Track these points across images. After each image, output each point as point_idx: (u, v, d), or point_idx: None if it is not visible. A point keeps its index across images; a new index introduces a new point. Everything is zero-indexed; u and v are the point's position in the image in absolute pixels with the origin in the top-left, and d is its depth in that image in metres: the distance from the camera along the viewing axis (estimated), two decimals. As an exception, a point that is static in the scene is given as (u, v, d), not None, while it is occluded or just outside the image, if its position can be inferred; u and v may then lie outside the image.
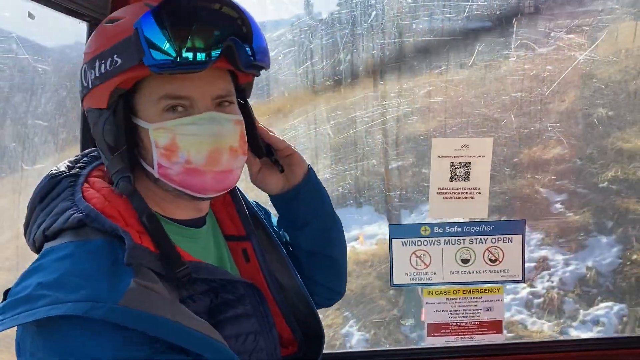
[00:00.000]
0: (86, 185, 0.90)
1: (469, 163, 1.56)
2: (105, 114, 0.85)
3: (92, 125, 0.89)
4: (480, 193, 1.58)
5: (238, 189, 1.08)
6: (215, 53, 0.81)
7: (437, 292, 1.61)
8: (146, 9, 0.81)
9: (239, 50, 0.84)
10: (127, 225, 0.83)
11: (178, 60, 0.79)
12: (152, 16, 0.79)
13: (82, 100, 0.91)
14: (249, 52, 0.85)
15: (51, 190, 0.91)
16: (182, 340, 0.75)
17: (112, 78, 0.82)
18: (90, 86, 0.85)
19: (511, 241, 1.60)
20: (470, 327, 1.61)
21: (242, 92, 0.98)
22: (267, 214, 1.18)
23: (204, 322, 0.79)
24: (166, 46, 0.78)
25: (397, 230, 1.61)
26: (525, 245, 1.61)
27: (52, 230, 0.84)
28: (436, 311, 1.61)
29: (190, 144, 0.84)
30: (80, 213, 0.82)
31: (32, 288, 0.74)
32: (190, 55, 0.79)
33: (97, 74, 0.83)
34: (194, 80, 0.84)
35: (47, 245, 0.83)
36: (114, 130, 0.85)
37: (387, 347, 1.64)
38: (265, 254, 1.04)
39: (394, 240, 1.60)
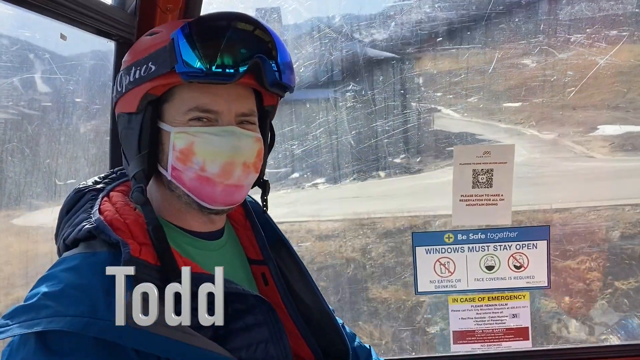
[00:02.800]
0: (105, 199, 0.94)
1: (492, 170, 1.56)
2: (135, 118, 0.89)
3: (121, 128, 0.94)
4: (503, 199, 1.58)
5: (267, 215, 1.11)
6: (242, 68, 0.85)
7: (462, 300, 1.61)
8: (182, 24, 0.86)
9: (266, 68, 0.87)
10: (132, 237, 0.86)
11: (208, 70, 0.83)
12: (188, 28, 0.84)
13: (114, 105, 0.95)
14: (275, 70, 0.88)
15: (76, 203, 0.96)
16: (178, 356, 0.78)
17: (145, 83, 0.86)
18: (124, 91, 0.90)
19: (536, 247, 1.59)
20: (496, 334, 1.61)
21: (266, 115, 1.01)
22: None
23: (202, 337, 0.81)
24: (198, 56, 0.83)
25: (421, 238, 1.61)
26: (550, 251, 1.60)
27: (69, 240, 0.89)
28: (461, 318, 1.61)
29: (206, 152, 0.88)
30: (91, 225, 0.87)
31: (38, 297, 0.78)
32: (219, 67, 0.84)
33: (131, 79, 0.88)
34: (222, 96, 0.88)
35: (64, 255, 0.88)
36: (140, 133, 0.89)
37: (413, 355, 1.64)
38: (290, 276, 1.07)
39: (417, 248, 1.61)
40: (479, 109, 2.34)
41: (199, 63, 0.83)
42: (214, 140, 0.88)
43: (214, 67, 0.84)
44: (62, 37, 1.17)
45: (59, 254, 0.94)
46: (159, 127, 0.90)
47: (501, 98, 2.30)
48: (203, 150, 0.88)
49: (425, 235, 1.62)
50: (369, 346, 1.33)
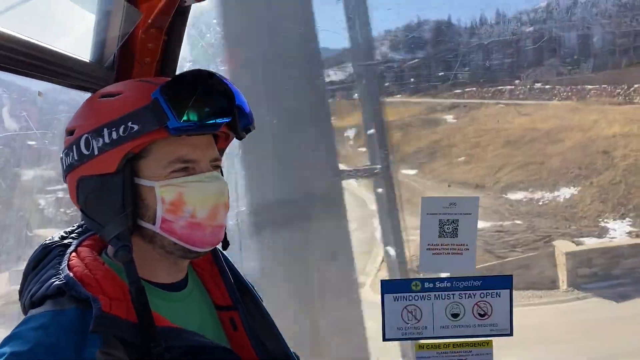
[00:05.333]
0: (73, 254, 0.97)
1: (457, 220, 1.62)
2: (112, 178, 0.92)
3: (89, 191, 0.95)
4: (467, 249, 1.63)
5: (226, 258, 1.16)
6: (224, 119, 0.95)
7: (428, 347, 1.65)
8: (150, 85, 0.93)
9: (241, 116, 0.96)
10: (103, 292, 0.89)
11: (200, 123, 0.91)
12: (171, 88, 0.91)
13: (73, 169, 0.97)
14: (248, 117, 0.98)
15: (43, 258, 0.99)
16: None
17: (126, 143, 0.90)
18: (96, 153, 0.92)
19: (499, 296, 1.64)
20: (461, 381, 1.64)
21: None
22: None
23: None
24: (189, 112, 0.90)
25: (389, 286, 1.65)
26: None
27: (37, 296, 0.92)
28: (428, 365, 1.64)
29: (196, 200, 0.95)
30: (60, 281, 0.89)
31: (5, 357, 0.79)
32: (209, 119, 0.93)
33: (106, 141, 0.91)
34: (198, 146, 0.96)
35: (31, 312, 0.90)
36: (122, 192, 0.92)
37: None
38: (252, 321, 1.10)
39: (385, 295, 1.64)
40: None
41: (190, 118, 0.90)
42: (200, 187, 0.95)
43: (206, 121, 0.92)
44: (39, 94, 1.20)
45: (24, 311, 0.96)
46: (135, 184, 0.94)
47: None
48: (193, 199, 0.95)
49: (394, 283, 1.66)
50: None
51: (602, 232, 14.82)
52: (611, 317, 10.48)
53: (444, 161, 19.56)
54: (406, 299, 1.64)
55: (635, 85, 18.48)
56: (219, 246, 1.12)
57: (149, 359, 0.86)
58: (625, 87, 18.72)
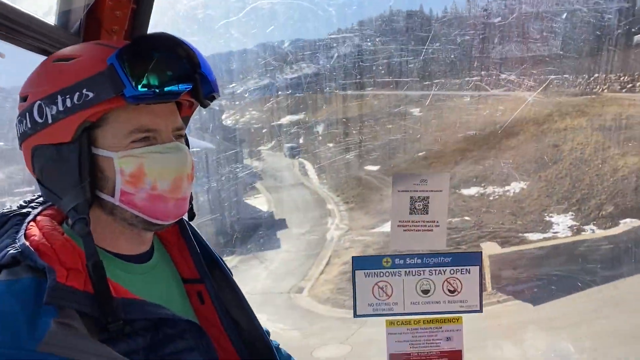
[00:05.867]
0: (32, 223, 0.93)
1: (428, 197, 1.63)
2: (68, 148, 0.88)
3: (44, 161, 0.91)
4: (438, 226, 1.65)
5: (195, 231, 1.13)
6: (185, 85, 0.90)
7: (398, 323, 1.66)
8: (108, 49, 0.88)
9: (203, 83, 0.92)
10: (60, 262, 0.85)
11: (160, 91, 0.86)
12: (128, 53, 0.86)
13: (27, 138, 0.92)
14: (212, 85, 0.94)
15: (0, 228, 0.94)
16: None
17: (81, 111, 0.86)
18: (50, 122, 0.88)
19: (469, 272, 1.66)
20: (431, 357, 1.65)
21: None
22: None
23: None
24: (147, 79, 0.85)
25: (360, 262, 1.66)
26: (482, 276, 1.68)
27: None
28: (397, 341, 1.65)
29: (157, 171, 0.90)
30: (15, 250, 0.85)
31: None
32: (168, 87, 0.88)
33: (60, 109, 0.86)
34: (159, 114, 0.91)
35: None
36: (78, 163, 0.88)
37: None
38: (221, 295, 1.08)
39: (357, 272, 1.65)
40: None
41: (148, 85, 0.85)
42: (162, 158, 0.91)
43: (165, 88, 0.87)
44: (1, 55, 1.15)
45: None
46: (93, 154, 0.90)
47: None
48: (153, 170, 0.90)
49: (365, 259, 1.66)
50: None
51: (546, 227, 14.85)
52: (524, 321, 10.31)
53: (406, 156, 19.58)
54: (377, 275, 1.65)
55: (595, 75, 18.82)
56: (186, 217, 1.10)
57: (107, 331, 0.83)
58: (586, 77, 19.02)
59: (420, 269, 1.65)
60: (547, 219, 15.16)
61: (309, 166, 22.00)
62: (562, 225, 14.69)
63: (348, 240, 15.58)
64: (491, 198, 16.50)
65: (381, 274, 1.65)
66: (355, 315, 1.65)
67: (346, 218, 17.59)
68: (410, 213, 1.64)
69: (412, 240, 1.65)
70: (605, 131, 16.78)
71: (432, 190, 1.63)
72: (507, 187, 16.69)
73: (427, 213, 1.64)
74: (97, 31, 1.32)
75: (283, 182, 21.36)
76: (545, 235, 14.24)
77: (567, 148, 17.03)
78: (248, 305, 1.13)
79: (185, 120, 1.04)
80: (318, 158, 21.28)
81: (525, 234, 14.22)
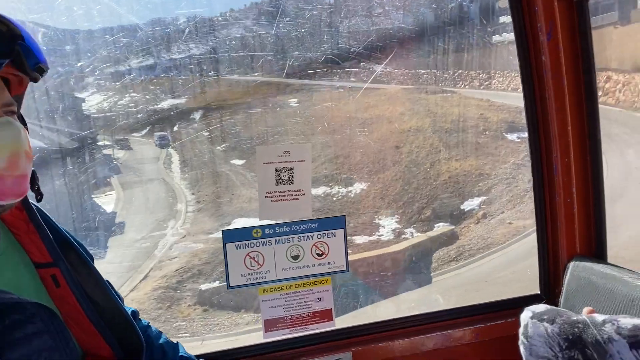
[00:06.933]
0: None
1: (292, 167, 1.70)
2: None
3: None
4: (304, 194, 1.73)
5: (46, 215, 1.10)
6: (4, 59, 0.86)
7: (271, 289, 1.72)
8: None
9: (27, 54, 0.89)
10: None
11: None
12: None
13: None
14: (37, 56, 0.90)
15: None
16: None
17: None
18: None
19: (335, 235, 1.77)
20: (304, 319, 1.75)
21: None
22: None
23: None
24: None
25: (231, 234, 1.69)
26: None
27: None
28: (271, 307, 1.72)
29: None
30: None
31: None
32: None
33: None
34: None
35: None
36: None
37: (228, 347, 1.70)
38: (77, 277, 1.07)
39: (227, 245, 1.68)
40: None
41: None
42: None
43: None
44: None
45: None
46: None
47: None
48: None
49: (235, 232, 1.70)
50: (177, 342, 1.37)
51: (373, 230, 14.69)
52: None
53: (270, 151, 18.61)
54: (248, 246, 1.70)
55: (460, 71, 19.77)
56: (34, 201, 1.06)
57: None
58: (451, 73, 19.84)
59: (290, 236, 1.73)
60: (376, 221, 15.11)
61: (175, 158, 19.62)
62: (387, 228, 14.67)
63: (179, 249, 14.04)
64: (334, 199, 16.15)
65: (252, 245, 1.70)
66: (229, 287, 1.69)
67: (189, 221, 15.87)
68: (277, 184, 1.70)
69: (280, 210, 1.72)
70: (442, 134, 17.11)
71: (295, 161, 1.70)
72: (350, 188, 16.46)
73: (292, 183, 1.71)
74: None
75: (143, 176, 18.71)
76: (371, 238, 14.19)
77: (406, 150, 17.00)
78: (106, 284, 1.12)
79: (19, 98, 0.99)
80: (187, 149, 19.50)
81: (354, 237, 14.04)
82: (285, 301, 1.73)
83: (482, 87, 19.67)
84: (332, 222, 1.77)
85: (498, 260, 12.23)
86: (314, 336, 1.75)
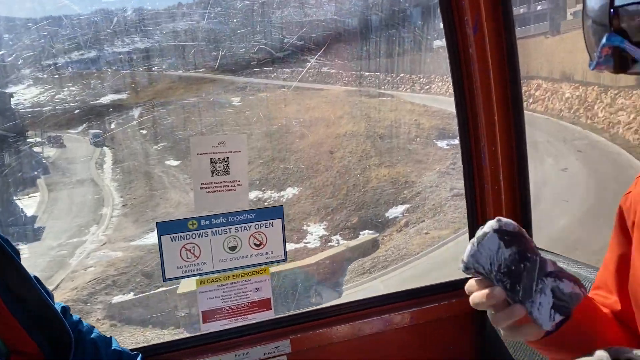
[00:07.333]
0: None
1: (227, 158, 1.70)
2: None
3: None
4: (240, 185, 1.73)
5: None
6: None
7: (208, 281, 1.72)
8: None
9: None
10: None
11: None
12: None
13: None
14: None
15: None
16: None
17: None
18: None
19: (272, 225, 1.78)
20: (242, 309, 1.75)
21: None
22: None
23: None
24: None
25: (166, 227, 1.67)
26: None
27: None
28: (209, 298, 1.72)
29: None
30: None
31: None
32: None
33: None
34: None
35: None
36: None
37: (166, 339, 1.69)
38: (1, 273, 1.05)
39: (162, 237, 1.66)
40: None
41: None
42: None
43: None
44: None
45: None
46: None
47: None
48: None
49: (170, 224, 1.68)
50: (111, 336, 1.35)
51: (301, 237, 14.21)
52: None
53: (207, 153, 17.74)
54: (184, 238, 1.68)
55: (402, 74, 19.58)
56: None
57: None
58: (394, 76, 19.62)
59: (226, 227, 1.73)
60: (305, 228, 14.74)
61: (109, 158, 18.33)
62: (314, 235, 14.32)
63: (97, 257, 13.11)
64: (266, 204, 15.35)
65: (188, 237, 1.69)
66: (165, 279, 1.67)
67: (113, 226, 14.83)
68: (212, 175, 1.69)
69: (216, 201, 1.71)
70: (375, 139, 16.82)
71: (231, 152, 1.70)
72: (282, 193, 16.08)
73: (228, 174, 1.71)
74: None
75: (73, 177, 17.39)
76: (297, 245, 13.86)
77: (339, 155, 16.64)
78: (32, 280, 1.10)
79: None
80: (123, 148, 18.23)
81: (281, 244, 13.85)
82: (223, 292, 1.73)
83: (422, 91, 19.66)
84: (269, 213, 1.78)
85: (409, 272, 12.04)
86: (252, 325, 1.76)
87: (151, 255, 12.44)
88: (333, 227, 14.47)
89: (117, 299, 11.22)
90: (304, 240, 14.22)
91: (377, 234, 13.86)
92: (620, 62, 0.75)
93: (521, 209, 1.96)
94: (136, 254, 12.67)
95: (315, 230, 14.41)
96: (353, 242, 13.48)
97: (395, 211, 14.58)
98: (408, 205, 14.65)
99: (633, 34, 0.71)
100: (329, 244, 13.77)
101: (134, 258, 12.46)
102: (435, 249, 12.28)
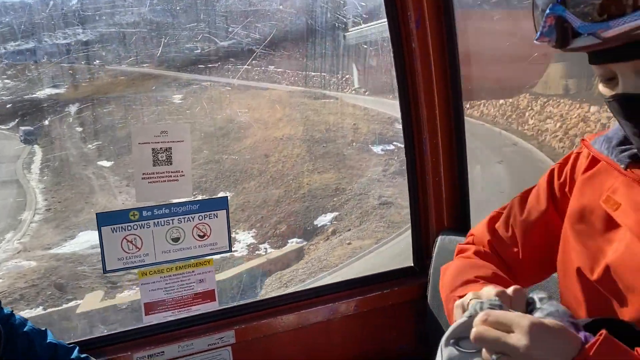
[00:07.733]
0: None
1: (170, 148, 1.67)
2: None
3: None
4: (183, 175, 1.71)
5: None
6: None
7: (151, 272, 1.70)
8: None
9: None
10: None
11: None
12: None
13: None
14: None
15: None
16: None
17: None
18: None
19: (217, 217, 1.78)
20: (185, 300, 1.74)
21: None
22: None
23: None
24: None
25: (106, 218, 1.64)
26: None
27: None
28: (152, 290, 1.69)
29: None
30: None
31: None
32: None
33: None
34: None
35: None
36: None
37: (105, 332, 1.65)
38: None
39: (103, 228, 1.63)
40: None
41: None
42: None
43: None
44: None
45: None
46: None
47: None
48: None
49: (110, 215, 1.65)
50: (45, 328, 1.32)
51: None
52: None
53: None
54: (125, 229, 1.65)
55: (347, 75, 18.62)
56: None
57: None
58: (339, 77, 18.59)
59: (169, 218, 1.70)
60: (233, 235, 13.94)
61: (38, 157, 16.67)
62: (242, 243, 13.67)
63: (7, 267, 11.89)
64: None
65: (129, 228, 1.66)
66: (105, 271, 1.64)
67: (31, 233, 13.45)
68: (154, 165, 1.67)
69: (158, 192, 1.69)
70: (311, 143, 16.22)
71: (173, 141, 1.68)
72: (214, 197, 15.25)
73: (171, 164, 1.68)
74: None
75: None
76: (224, 255, 13.13)
77: (273, 159, 15.96)
78: None
79: None
80: (55, 146, 16.71)
81: (206, 254, 13.01)
82: (166, 284, 1.71)
83: (367, 93, 18.90)
84: (214, 203, 1.77)
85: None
86: (196, 317, 1.75)
87: (68, 265, 11.56)
88: (262, 235, 13.90)
89: (22, 314, 10.24)
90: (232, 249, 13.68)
91: (305, 243, 13.40)
92: (562, 34, 0.79)
93: (460, 200, 2.03)
94: (51, 264, 11.69)
95: (244, 238, 13.80)
96: (276, 253, 12.91)
97: (324, 219, 14.03)
98: (337, 213, 14.17)
99: (575, 4, 0.76)
100: (257, 252, 13.24)
101: (48, 268, 11.47)
102: (355, 261, 11.71)
